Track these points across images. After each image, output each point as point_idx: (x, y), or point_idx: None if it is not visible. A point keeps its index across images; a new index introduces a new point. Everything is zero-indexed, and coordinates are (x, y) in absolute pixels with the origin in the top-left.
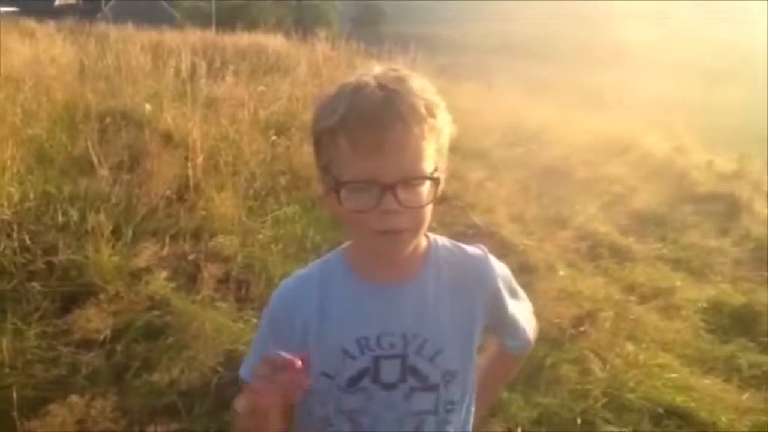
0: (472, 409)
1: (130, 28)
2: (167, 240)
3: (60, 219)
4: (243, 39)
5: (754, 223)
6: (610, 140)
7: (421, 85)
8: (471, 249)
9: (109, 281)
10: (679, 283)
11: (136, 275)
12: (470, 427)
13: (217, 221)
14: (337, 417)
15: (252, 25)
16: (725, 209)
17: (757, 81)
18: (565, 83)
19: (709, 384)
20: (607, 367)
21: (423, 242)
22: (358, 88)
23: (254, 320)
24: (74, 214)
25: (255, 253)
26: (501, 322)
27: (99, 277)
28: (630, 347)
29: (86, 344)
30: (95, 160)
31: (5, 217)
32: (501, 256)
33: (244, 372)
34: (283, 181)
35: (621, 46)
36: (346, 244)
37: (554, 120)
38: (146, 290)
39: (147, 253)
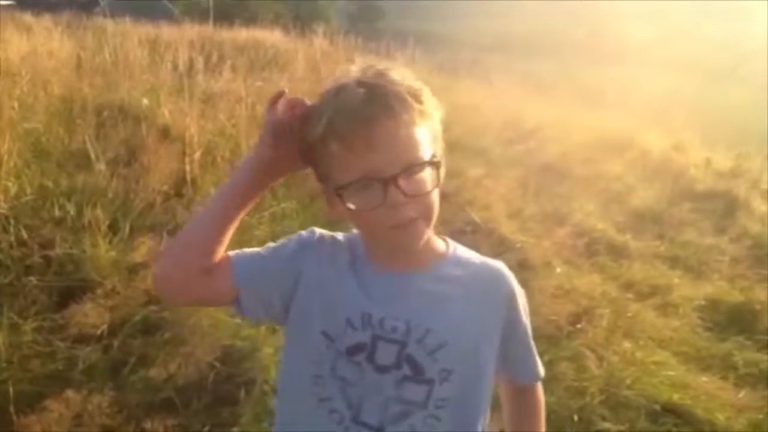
0: None
1: (127, 22)
2: (164, 235)
3: (57, 213)
4: (241, 34)
5: (751, 221)
6: (608, 138)
7: (401, 75)
8: (491, 259)
9: (106, 276)
10: (676, 281)
11: (133, 270)
12: None
13: None
14: (329, 379)
15: (250, 21)
16: (723, 207)
17: (756, 80)
18: (564, 81)
19: (706, 381)
20: (604, 364)
21: (440, 242)
22: (338, 91)
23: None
24: (71, 209)
25: None
26: (513, 340)
27: (96, 272)
28: (627, 344)
29: (83, 339)
30: (92, 154)
31: (2, 211)
32: (498, 253)
33: (234, 260)
34: None
35: (621, 44)
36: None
37: (553, 117)
38: (143, 285)
39: (144, 248)
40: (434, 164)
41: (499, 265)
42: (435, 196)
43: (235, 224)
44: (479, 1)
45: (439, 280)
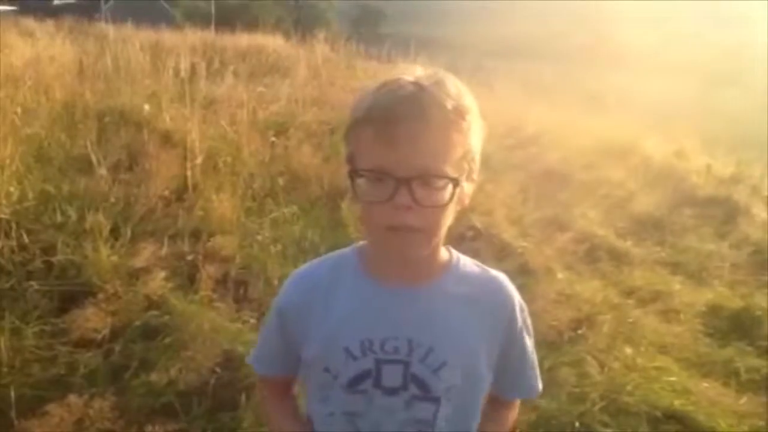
0: None
1: (129, 28)
2: (166, 240)
3: (58, 218)
4: (242, 39)
5: (752, 227)
6: (610, 143)
7: (457, 88)
8: (494, 271)
9: (108, 281)
10: (677, 287)
11: (134, 275)
12: None
13: (215, 222)
14: (339, 416)
15: (251, 25)
16: (724, 213)
17: (757, 86)
18: (566, 85)
19: (707, 388)
20: (605, 370)
21: (444, 253)
22: (390, 84)
23: (252, 321)
24: (73, 214)
25: (253, 254)
26: (510, 355)
27: (97, 277)
28: (628, 350)
29: (84, 344)
30: (94, 159)
31: (4, 216)
32: (499, 259)
33: (252, 360)
34: (281, 182)
35: (623, 49)
36: (361, 243)
37: (554, 122)
38: (144, 290)
39: (145, 253)
40: (453, 180)
41: (502, 278)
42: (447, 214)
43: None
44: (481, 3)
45: (441, 297)
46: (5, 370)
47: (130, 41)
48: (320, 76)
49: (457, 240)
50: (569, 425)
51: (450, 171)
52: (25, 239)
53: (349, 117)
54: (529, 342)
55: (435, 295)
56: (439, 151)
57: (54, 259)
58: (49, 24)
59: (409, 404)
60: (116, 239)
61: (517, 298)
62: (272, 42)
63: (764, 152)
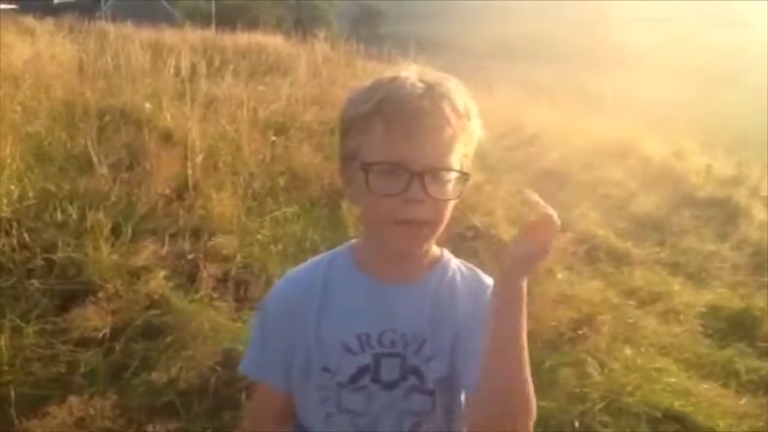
0: None
1: (129, 27)
2: (166, 239)
3: (59, 217)
4: (242, 39)
5: (752, 228)
6: (609, 144)
7: (459, 87)
8: (482, 273)
9: (108, 280)
10: (677, 288)
11: (135, 274)
12: None
13: (216, 221)
14: (338, 415)
15: (251, 25)
16: (723, 214)
17: (757, 86)
18: (565, 86)
19: (707, 389)
20: (605, 370)
21: (435, 250)
22: (397, 79)
23: (252, 320)
24: (73, 212)
25: (254, 253)
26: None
27: (98, 276)
28: (628, 351)
29: (85, 342)
30: (94, 158)
31: (4, 215)
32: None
33: (244, 367)
34: (282, 181)
35: (622, 49)
36: (354, 241)
37: (553, 123)
38: (145, 289)
39: (146, 251)
40: (463, 175)
41: (485, 276)
42: (449, 207)
43: None
44: (480, 2)
45: (429, 291)
46: (5, 368)
47: (130, 40)
48: (321, 75)
49: (456, 240)
50: (569, 425)
51: (456, 166)
52: (26, 238)
53: (349, 112)
54: None
55: (425, 291)
56: (449, 148)
57: (55, 258)
58: (50, 22)
59: (407, 395)
60: (117, 238)
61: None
62: (273, 41)
63: (763, 153)
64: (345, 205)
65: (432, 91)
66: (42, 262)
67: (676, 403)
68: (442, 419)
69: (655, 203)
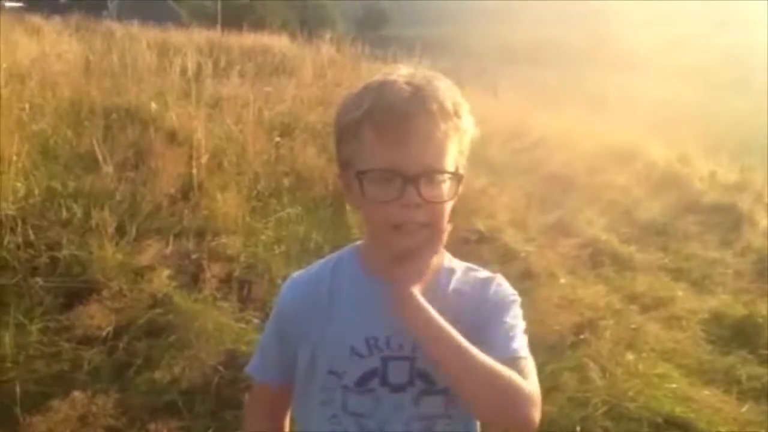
0: None
1: (135, 26)
2: (171, 238)
3: (64, 215)
4: (248, 39)
5: (755, 235)
6: (613, 148)
7: (448, 86)
8: (484, 272)
9: (112, 278)
10: (680, 294)
11: (139, 273)
12: None
13: (220, 221)
14: (343, 417)
15: (257, 25)
16: (727, 220)
17: (762, 89)
18: (570, 89)
19: (709, 395)
20: (607, 375)
21: (440, 254)
22: (385, 84)
23: (256, 320)
24: (78, 211)
25: (258, 254)
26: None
27: (102, 274)
28: (630, 356)
29: (88, 340)
30: (100, 157)
31: (10, 212)
32: (503, 263)
33: (251, 369)
34: (286, 182)
35: (626, 52)
36: (358, 243)
37: (558, 126)
38: (149, 288)
39: (150, 251)
40: (457, 176)
41: (489, 276)
42: (446, 209)
43: None
44: (484, 3)
45: (440, 293)
46: (10, 365)
47: (136, 39)
48: (326, 76)
49: (460, 243)
50: (570, 430)
51: (452, 168)
52: (31, 236)
53: (341, 119)
54: (508, 314)
55: (433, 293)
56: (442, 149)
57: (59, 256)
58: (56, 21)
59: (417, 400)
60: (121, 237)
61: (498, 289)
62: (278, 42)
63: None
64: (349, 206)
65: (420, 94)
66: (46, 260)
67: (678, 409)
68: (458, 420)
69: (660, 209)
